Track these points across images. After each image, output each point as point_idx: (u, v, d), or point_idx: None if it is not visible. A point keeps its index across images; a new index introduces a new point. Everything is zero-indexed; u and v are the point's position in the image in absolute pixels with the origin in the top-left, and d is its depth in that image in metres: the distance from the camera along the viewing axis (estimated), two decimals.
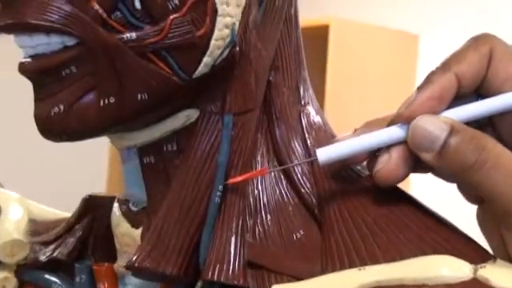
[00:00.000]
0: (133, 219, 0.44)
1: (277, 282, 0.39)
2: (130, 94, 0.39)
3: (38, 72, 0.40)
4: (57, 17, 0.38)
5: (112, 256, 0.46)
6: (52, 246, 0.49)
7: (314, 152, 0.41)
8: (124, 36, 0.39)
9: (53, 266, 0.49)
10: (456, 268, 0.36)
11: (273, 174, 0.43)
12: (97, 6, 0.39)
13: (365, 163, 0.43)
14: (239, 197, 0.41)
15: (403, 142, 0.39)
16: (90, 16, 0.39)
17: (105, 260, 0.47)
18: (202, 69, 0.40)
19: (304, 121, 0.44)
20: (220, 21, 0.40)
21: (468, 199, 0.41)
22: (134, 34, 0.39)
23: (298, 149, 0.43)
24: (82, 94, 0.40)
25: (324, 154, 0.40)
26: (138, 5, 0.39)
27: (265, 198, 0.42)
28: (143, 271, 0.40)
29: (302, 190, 0.42)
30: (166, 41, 0.39)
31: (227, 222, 0.40)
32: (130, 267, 0.40)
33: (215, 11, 0.40)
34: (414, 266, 0.37)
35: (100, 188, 3.10)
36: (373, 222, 0.40)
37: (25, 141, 3.28)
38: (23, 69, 0.41)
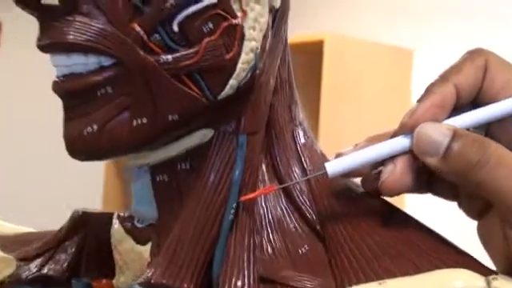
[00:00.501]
0: (138, 236, 0.46)
1: None
2: (161, 115, 0.40)
3: (74, 91, 0.40)
4: (98, 37, 0.39)
5: (107, 272, 0.47)
6: (36, 262, 0.48)
7: (323, 166, 0.42)
8: (161, 58, 0.40)
9: (39, 282, 0.48)
10: (470, 280, 0.38)
11: (274, 192, 0.44)
12: (138, 28, 0.39)
13: (358, 180, 0.44)
14: (249, 215, 0.42)
15: (407, 152, 0.41)
16: (131, 38, 0.39)
17: (100, 276, 0.47)
18: (227, 91, 0.42)
19: (298, 140, 0.46)
20: (247, 45, 0.42)
21: (468, 214, 0.43)
22: (170, 57, 0.40)
23: (295, 167, 0.45)
24: (115, 114, 0.40)
25: (332, 167, 0.41)
26: (176, 28, 0.40)
27: (269, 216, 0.43)
28: (158, 287, 0.41)
29: (303, 207, 0.44)
30: (200, 63, 0.40)
31: (239, 239, 0.41)
32: (145, 283, 0.41)
33: (243, 36, 0.42)
34: (431, 279, 0.38)
35: (95, 204, 3.09)
36: (381, 239, 0.41)
37: (20, 155, 3.28)
38: (58, 88, 0.41)
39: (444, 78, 0.41)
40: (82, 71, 0.40)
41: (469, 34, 2.43)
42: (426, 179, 0.43)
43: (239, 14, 0.42)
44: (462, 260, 0.40)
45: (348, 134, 2.29)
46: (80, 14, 0.39)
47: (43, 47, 0.41)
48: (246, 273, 0.40)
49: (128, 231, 0.46)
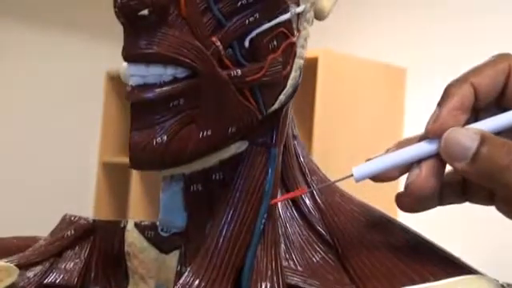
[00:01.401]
0: (161, 245, 0.46)
1: None
2: (223, 127, 0.42)
3: (148, 101, 0.41)
4: (186, 51, 0.40)
5: (117, 281, 0.47)
6: (35, 271, 0.48)
7: (351, 170, 0.43)
8: (232, 72, 0.41)
9: None
10: (493, 285, 0.40)
11: (284, 203, 0.46)
12: (218, 43, 0.41)
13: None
14: (273, 225, 0.43)
15: (433, 156, 0.41)
16: (211, 51, 0.40)
17: (109, 285, 0.47)
18: (276, 106, 0.44)
19: (298, 152, 0.47)
20: (297, 62, 0.45)
21: (508, 216, 0.43)
22: (239, 71, 0.41)
23: (299, 177, 0.47)
24: (184, 126, 0.41)
25: (359, 171, 0.42)
26: (247, 44, 0.42)
27: (286, 226, 0.45)
28: None
29: (312, 219, 0.45)
30: (263, 79, 0.42)
31: (266, 248, 0.42)
32: None
33: (295, 54, 0.44)
34: (458, 284, 0.40)
35: (87, 209, 3.09)
36: (390, 248, 0.43)
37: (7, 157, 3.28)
38: (134, 97, 0.42)
39: (462, 78, 0.42)
40: (156, 82, 0.41)
41: (462, 53, 2.44)
42: (461, 188, 0.44)
43: (296, 32, 0.44)
44: (465, 267, 0.42)
45: (341, 151, 2.30)
46: (166, 24, 0.40)
47: (129, 57, 0.41)
48: (274, 280, 0.41)
49: (150, 240, 0.46)
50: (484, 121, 0.41)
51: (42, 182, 3.30)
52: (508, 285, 0.41)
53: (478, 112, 0.42)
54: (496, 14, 2.46)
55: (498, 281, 0.41)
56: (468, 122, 0.41)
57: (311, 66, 2.37)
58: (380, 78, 2.54)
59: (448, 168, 0.42)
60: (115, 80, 3.06)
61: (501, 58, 0.42)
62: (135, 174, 3.00)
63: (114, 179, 3.22)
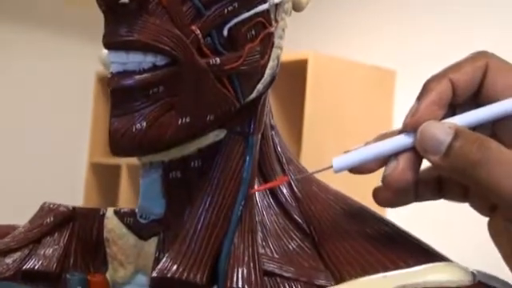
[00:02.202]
0: (140, 231, 0.47)
1: None
2: (202, 115, 0.42)
3: (129, 88, 0.41)
4: (166, 39, 0.41)
5: (96, 266, 0.48)
6: (14, 257, 0.48)
7: (330, 161, 0.44)
8: (210, 60, 0.42)
9: (22, 277, 0.47)
10: (461, 272, 0.41)
11: (260, 192, 0.46)
12: (197, 31, 0.41)
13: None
14: (250, 213, 0.44)
15: (410, 150, 0.42)
16: (190, 40, 0.41)
17: (88, 271, 0.48)
18: (253, 95, 0.45)
19: (276, 142, 0.48)
20: (274, 52, 0.45)
21: (481, 213, 0.44)
22: (218, 60, 0.42)
23: (277, 166, 0.47)
24: (163, 113, 0.42)
25: (338, 162, 0.43)
26: (225, 32, 0.42)
27: (263, 214, 0.46)
28: (172, 281, 0.42)
29: (289, 207, 0.46)
30: (241, 67, 0.43)
31: (243, 235, 0.43)
32: (159, 277, 0.42)
33: (273, 43, 0.45)
34: (430, 271, 0.41)
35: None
36: (365, 235, 0.44)
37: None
38: (114, 83, 0.42)
39: (441, 74, 0.42)
40: (136, 69, 0.41)
41: (451, 54, 2.46)
42: (436, 185, 0.45)
43: (274, 23, 0.44)
44: (437, 254, 0.44)
45: (330, 152, 2.30)
46: (146, 12, 0.41)
47: (109, 45, 0.42)
48: (251, 266, 0.42)
49: (129, 227, 0.47)
50: (460, 115, 0.42)
51: (31, 182, 3.29)
52: (478, 272, 0.42)
53: (455, 108, 0.43)
54: (485, 15, 2.48)
55: (468, 268, 0.42)
56: (445, 118, 0.42)
57: (301, 67, 2.38)
58: (369, 80, 2.55)
59: (425, 164, 0.43)
60: (105, 81, 3.06)
61: (479, 55, 0.43)
62: (124, 175, 2.99)
63: (103, 180, 3.21)
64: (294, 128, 2.52)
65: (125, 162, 2.93)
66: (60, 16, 3.39)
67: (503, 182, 0.38)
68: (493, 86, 0.42)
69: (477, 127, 0.42)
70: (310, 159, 2.23)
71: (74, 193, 3.27)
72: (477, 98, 0.43)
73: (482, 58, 0.42)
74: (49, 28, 3.40)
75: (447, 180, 0.45)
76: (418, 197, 0.45)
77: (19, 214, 0.50)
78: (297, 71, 2.43)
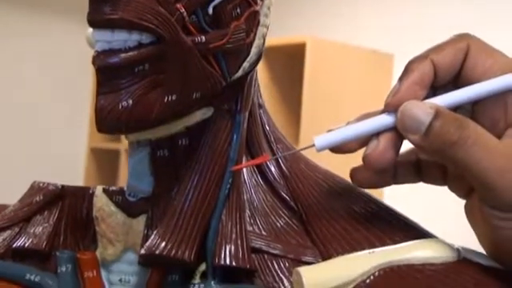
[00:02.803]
0: (129, 209, 0.47)
1: (282, 265, 0.43)
2: (188, 93, 0.43)
3: (114, 66, 0.42)
4: (151, 17, 0.41)
5: (86, 244, 0.48)
6: (4, 236, 0.48)
7: (312, 139, 0.44)
8: (196, 38, 0.42)
9: (13, 255, 0.48)
10: (446, 249, 0.42)
11: (249, 170, 0.47)
12: (182, 9, 0.42)
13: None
14: (237, 191, 0.45)
15: (391, 129, 0.42)
16: (175, 18, 0.41)
17: (78, 249, 0.48)
18: (239, 73, 0.45)
19: (264, 120, 0.49)
20: (260, 30, 0.45)
21: (458, 195, 0.45)
22: (203, 37, 0.42)
23: (265, 145, 0.48)
24: (149, 90, 0.42)
25: (320, 141, 0.43)
26: (210, 10, 0.43)
27: (249, 193, 0.46)
28: (160, 258, 0.42)
29: (277, 185, 0.47)
30: (226, 45, 0.43)
31: (230, 213, 0.44)
32: (147, 255, 0.43)
33: (259, 22, 0.45)
34: (415, 247, 0.42)
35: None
36: (353, 212, 0.45)
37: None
38: (99, 61, 0.42)
39: (423, 55, 0.43)
40: (121, 47, 0.42)
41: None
42: (415, 168, 0.46)
43: (259, 1, 0.45)
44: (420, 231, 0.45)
45: None
46: None
47: (93, 23, 0.42)
48: (239, 243, 0.43)
49: (118, 205, 0.47)
50: (440, 96, 0.42)
51: (31, 167, 3.30)
52: (463, 248, 0.42)
53: (436, 90, 0.43)
54: (484, 1, 2.48)
55: (453, 245, 0.42)
56: (426, 99, 0.42)
57: (299, 52, 2.38)
58: (368, 64, 2.55)
59: (404, 146, 0.43)
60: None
61: (461, 37, 0.43)
62: (124, 160, 3.00)
63: (103, 165, 3.22)
64: (292, 111, 2.52)
65: (124, 147, 2.93)
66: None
67: (479, 163, 0.39)
68: (473, 67, 0.42)
69: (457, 109, 0.42)
70: (308, 142, 2.23)
71: (73, 178, 3.28)
72: (458, 80, 0.43)
73: (464, 40, 0.43)
74: (49, 11, 3.39)
75: (426, 163, 0.45)
76: (397, 179, 0.45)
77: (18, 198, 0.51)
78: (295, 55, 2.43)
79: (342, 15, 2.93)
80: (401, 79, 0.43)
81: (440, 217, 2.22)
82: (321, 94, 2.40)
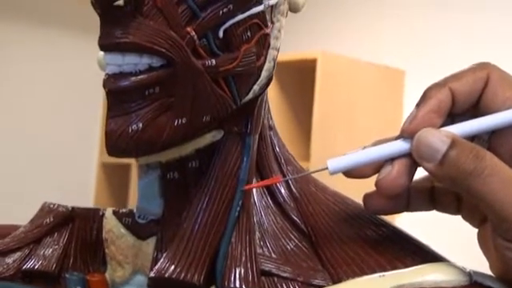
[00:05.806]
0: (138, 231, 0.47)
1: None
2: (198, 116, 0.42)
3: (125, 90, 0.42)
4: (161, 41, 0.41)
5: (95, 267, 0.48)
6: (14, 257, 0.48)
7: (326, 163, 0.44)
8: (206, 62, 0.42)
9: (22, 277, 0.48)
10: (458, 272, 0.42)
11: (259, 192, 0.46)
12: (193, 33, 0.42)
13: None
14: (247, 213, 0.44)
15: (406, 155, 0.42)
16: (186, 41, 0.41)
17: (87, 271, 0.48)
18: (250, 96, 0.45)
19: (274, 142, 0.49)
20: (270, 53, 0.45)
21: (471, 224, 0.45)
22: (213, 61, 0.42)
23: (275, 166, 0.48)
24: (159, 114, 0.42)
25: (334, 163, 0.43)
26: (221, 34, 0.42)
27: (261, 214, 0.46)
28: (170, 281, 0.42)
29: (287, 207, 0.46)
30: (236, 68, 0.43)
31: (240, 235, 0.44)
32: (157, 278, 0.43)
33: (269, 45, 0.45)
34: (426, 271, 0.42)
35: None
36: (364, 236, 0.45)
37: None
38: (110, 85, 0.42)
39: (441, 83, 0.42)
40: (132, 71, 0.41)
41: (460, 55, 2.45)
42: (429, 196, 0.45)
43: (269, 24, 0.45)
44: (431, 254, 0.44)
45: (340, 152, 2.30)
46: (141, 14, 0.41)
47: (104, 46, 0.42)
48: (249, 266, 0.42)
49: (128, 227, 0.47)
50: (457, 125, 0.42)
51: (42, 182, 3.31)
52: (475, 272, 0.42)
53: (453, 118, 0.43)
54: (497, 15, 2.47)
55: (465, 268, 0.42)
56: (443, 127, 0.42)
57: (310, 67, 2.38)
58: (379, 80, 2.55)
59: (418, 174, 0.43)
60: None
61: (481, 66, 0.43)
62: (134, 174, 3.00)
63: (114, 179, 3.23)
64: (303, 128, 2.52)
65: (135, 161, 2.94)
66: (70, 13, 3.41)
67: (495, 194, 0.38)
68: (493, 97, 0.42)
69: (474, 138, 0.42)
70: (319, 159, 2.23)
71: (84, 192, 3.29)
72: (476, 109, 0.42)
73: (484, 70, 0.42)
74: (57, 26, 3.41)
75: (440, 191, 0.45)
76: (410, 206, 0.45)
77: (30, 215, 0.51)
78: (306, 71, 2.43)
79: (353, 31, 2.93)
80: (418, 106, 0.42)
81: (453, 240, 2.21)
82: (332, 109, 2.40)
